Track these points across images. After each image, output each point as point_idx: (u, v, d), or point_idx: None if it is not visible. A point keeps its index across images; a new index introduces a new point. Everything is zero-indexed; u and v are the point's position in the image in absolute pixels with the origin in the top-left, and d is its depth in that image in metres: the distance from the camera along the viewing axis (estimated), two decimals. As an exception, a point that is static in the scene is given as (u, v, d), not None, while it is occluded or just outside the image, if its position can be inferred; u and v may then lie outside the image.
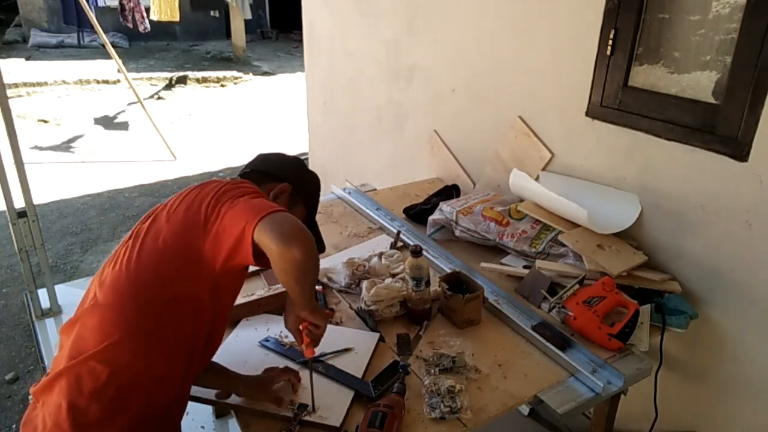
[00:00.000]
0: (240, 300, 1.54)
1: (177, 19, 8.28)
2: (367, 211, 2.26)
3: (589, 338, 1.51)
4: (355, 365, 1.38)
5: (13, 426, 2.38)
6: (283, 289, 1.63)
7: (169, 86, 8.38)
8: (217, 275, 1.11)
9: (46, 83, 7.67)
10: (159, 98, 7.84)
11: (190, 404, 1.27)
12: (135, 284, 1.10)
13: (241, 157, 5.15)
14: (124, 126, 6.56)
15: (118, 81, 7.89)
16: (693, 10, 1.62)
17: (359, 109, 3.31)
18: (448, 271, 1.77)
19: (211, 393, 1.31)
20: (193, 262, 1.10)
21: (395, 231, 2.06)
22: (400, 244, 2.01)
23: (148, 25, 8.11)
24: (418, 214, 2.20)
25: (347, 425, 1.22)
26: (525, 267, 1.83)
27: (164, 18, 8.14)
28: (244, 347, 1.47)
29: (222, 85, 8.73)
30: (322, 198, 1.54)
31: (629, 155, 1.82)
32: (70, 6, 9.95)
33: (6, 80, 2.63)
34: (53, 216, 4.30)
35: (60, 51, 9.63)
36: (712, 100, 1.59)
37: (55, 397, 1.08)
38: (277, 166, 1.39)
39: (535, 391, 1.35)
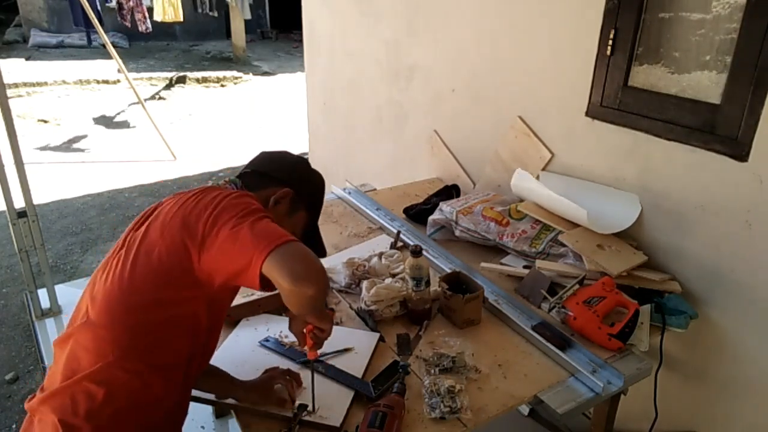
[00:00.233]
0: (240, 300, 1.54)
1: (180, 19, 8.31)
2: (367, 211, 2.26)
3: (589, 338, 1.51)
4: (355, 365, 1.38)
5: (13, 426, 2.38)
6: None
7: (169, 86, 8.38)
8: (214, 291, 1.08)
9: (46, 83, 7.67)
10: (159, 98, 7.83)
11: (190, 404, 1.26)
12: (128, 305, 1.06)
13: (241, 157, 5.15)
14: (124, 126, 6.56)
15: (118, 81, 7.89)
16: (693, 10, 1.62)
17: (359, 109, 3.31)
18: (448, 271, 1.77)
19: (211, 393, 1.31)
20: (189, 283, 1.05)
21: (395, 231, 2.06)
22: (400, 244, 2.01)
23: (150, 25, 8.12)
24: (418, 214, 2.20)
25: (347, 425, 1.22)
26: (525, 267, 1.83)
27: (168, 19, 8.17)
28: (244, 347, 1.47)
29: (222, 85, 8.73)
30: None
31: (629, 155, 1.82)
32: (77, 8, 9.93)
33: (6, 80, 2.63)
34: (53, 216, 4.30)
35: (60, 51, 9.63)
36: (712, 100, 1.59)
37: (50, 416, 1.05)
38: (280, 168, 1.32)
39: (535, 391, 1.35)
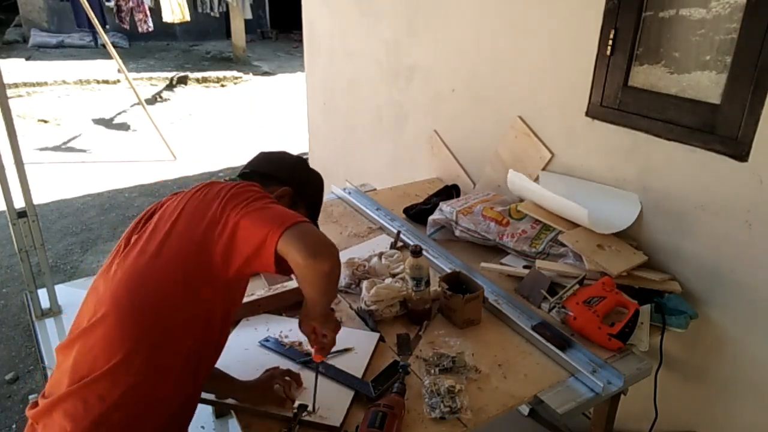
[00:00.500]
0: (240, 300, 1.55)
1: (187, 19, 8.31)
2: (367, 211, 2.26)
3: (589, 338, 1.51)
4: (355, 365, 1.39)
5: (13, 426, 2.38)
6: (283, 290, 1.63)
7: (170, 86, 8.37)
8: (228, 281, 1.08)
9: (46, 83, 7.66)
10: (159, 98, 7.83)
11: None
12: (139, 308, 1.05)
13: (241, 157, 5.14)
14: (124, 126, 6.56)
15: (119, 81, 7.88)
16: (693, 5, 1.61)
17: (359, 109, 3.31)
18: (448, 271, 1.77)
19: (211, 393, 1.30)
20: (205, 278, 1.06)
21: (395, 231, 2.06)
22: (400, 244, 2.01)
23: (151, 25, 8.12)
24: (418, 214, 2.20)
25: (347, 425, 1.22)
26: (525, 267, 1.83)
27: (177, 20, 8.18)
28: (244, 347, 1.47)
29: (222, 85, 8.72)
30: (321, 198, 1.53)
31: (629, 155, 1.82)
32: (80, 9, 9.92)
33: (6, 80, 2.63)
34: (53, 216, 4.30)
35: (60, 51, 9.62)
36: (712, 100, 1.59)
37: (57, 422, 1.04)
38: (278, 168, 1.33)
39: (535, 391, 1.35)
